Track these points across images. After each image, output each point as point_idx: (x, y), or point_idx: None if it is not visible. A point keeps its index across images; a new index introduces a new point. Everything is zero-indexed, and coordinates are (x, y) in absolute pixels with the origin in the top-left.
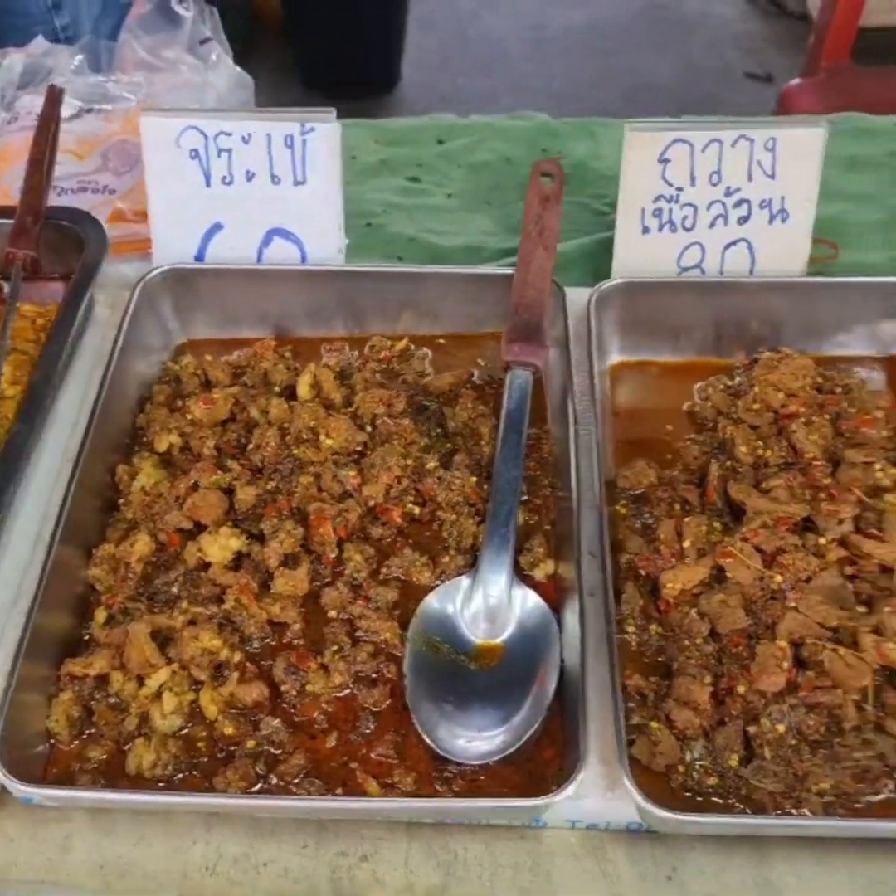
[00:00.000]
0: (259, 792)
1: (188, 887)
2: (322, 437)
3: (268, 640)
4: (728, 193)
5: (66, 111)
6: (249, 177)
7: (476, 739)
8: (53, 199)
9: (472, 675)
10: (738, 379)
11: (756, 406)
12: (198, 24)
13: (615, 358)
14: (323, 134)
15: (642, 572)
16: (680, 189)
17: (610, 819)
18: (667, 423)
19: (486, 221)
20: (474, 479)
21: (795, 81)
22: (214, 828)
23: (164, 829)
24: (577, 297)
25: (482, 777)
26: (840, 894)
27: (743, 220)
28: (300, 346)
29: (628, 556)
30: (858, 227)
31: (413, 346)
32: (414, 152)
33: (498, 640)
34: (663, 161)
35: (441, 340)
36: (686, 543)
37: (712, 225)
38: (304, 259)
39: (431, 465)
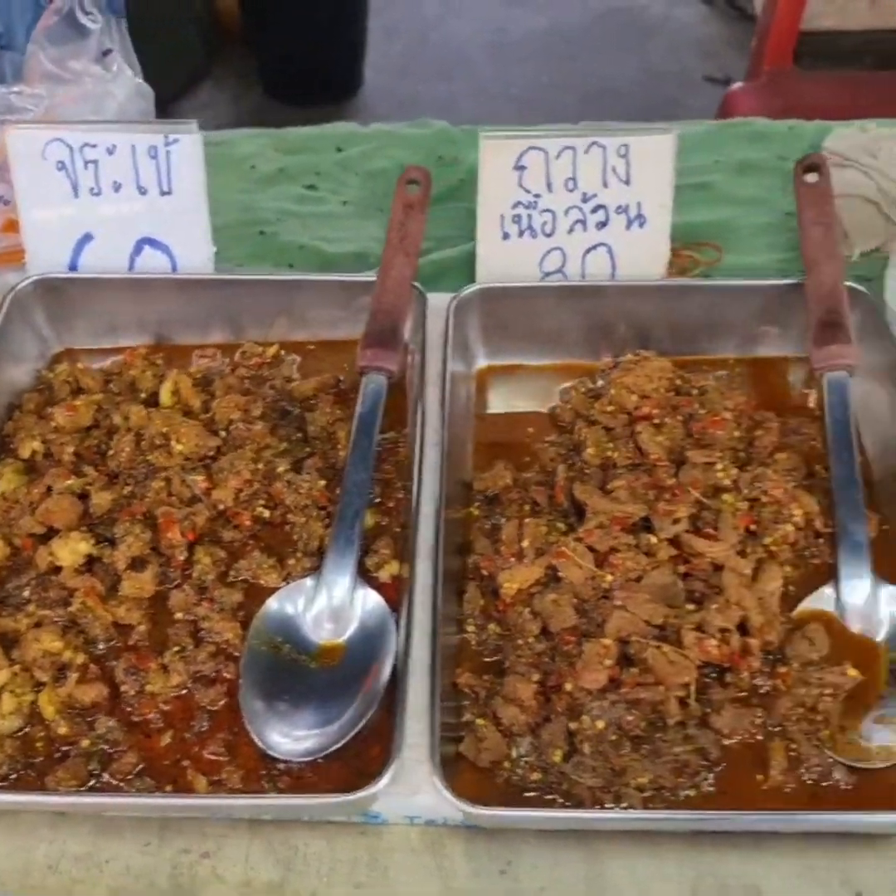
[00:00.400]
0: (91, 790)
1: (30, 885)
2: (173, 443)
3: (113, 642)
4: (585, 199)
5: None
6: (116, 188)
7: (305, 737)
8: None
9: (311, 675)
10: (600, 382)
11: (611, 408)
12: (104, 36)
13: (483, 362)
14: (186, 145)
15: (484, 573)
16: (537, 196)
17: (446, 815)
18: (530, 425)
19: (377, 228)
20: (323, 482)
21: (737, 85)
22: (60, 827)
23: (9, 829)
24: (442, 303)
25: (309, 774)
26: (669, 886)
27: (601, 225)
28: (175, 353)
29: (475, 557)
30: (745, 230)
31: (284, 353)
32: (312, 160)
33: (340, 640)
34: (519, 168)
35: (311, 347)
36: (525, 544)
37: (571, 230)
38: (174, 267)
39: (282, 469)
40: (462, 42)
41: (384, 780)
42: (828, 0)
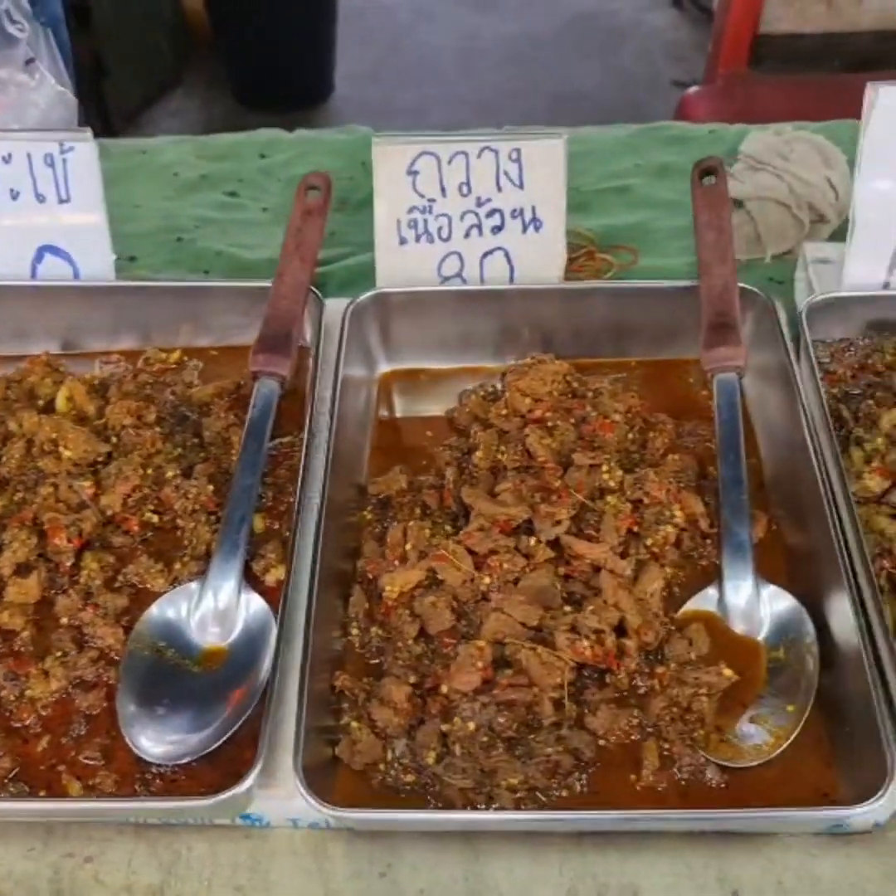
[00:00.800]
0: None
1: None
2: (61, 449)
3: None
4: (479, 204)
5: None
6: (15, 195)
7: (180, 741)
8: None
9: (192, 679)
10: (500, 385)
11: (505, 411)
12: (31, 45)
13: (385, 367)
14: (81, 153)
15: (369, 576)
16: (432, 200)
17: (327, 818)
18: (429, 429)
19: None
20: (211, 487)
21: (693, 89)
22: None
23: None
24: (341, 308)
25: (183, 777)
26: (548, 886)
27: (497, 229)
28: (81, 360)
29: (362, 561)
30: (662, 233)
31: (187, 358)
32: (235, 167)
33: (223, 644)
34: (412, 173)
35: (214, 352)
36: (408, 547)
37: (468, 235)
38: (76, 274)
39: (171, 474)
40: (433, 49)
41: (247, 782)
42: (785, 3)
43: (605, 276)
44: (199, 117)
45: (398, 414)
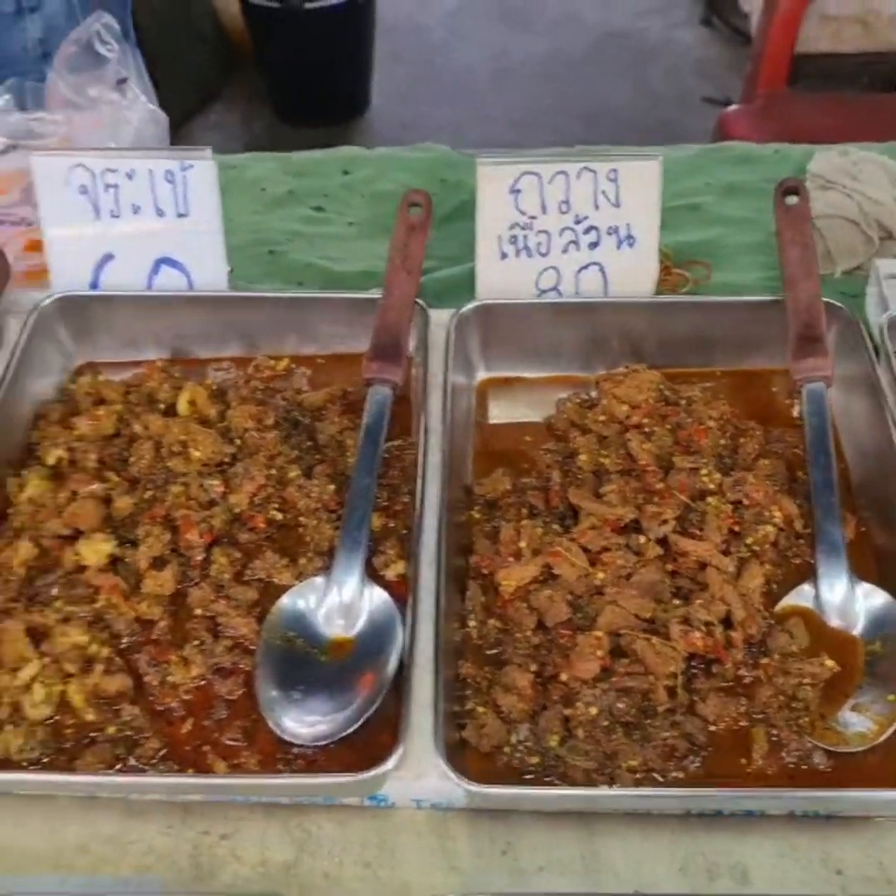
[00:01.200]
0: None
1: (63, 864)
2: (191, 450)
3: (136, 637)
4: (577, 221)
5: None
6: (135, 210)
7: (318, 724)
8: None
9: (322, 667)
10: (593, 393)
11: (603, 417)
12: (120, 64)
13: (483, 374)
14: (200, 170)
15: (484, 571)
16: (533, 217)
17: (450, 798)
18: (528, 434)
19: (382, 248)
20: (332, 487)
21: (732, 107)
22: (91, 811)
23: (44, 812)
24: (444, 318)
25: (322, 758)
26: (661, 864)
27: (593, 245)
28: (192, 366)
29: (475, 557)
30: (733, 249)
31: (295, 366)
32: (320, 183)
33: (350, 635)
34: (515, 192)
35: (320, 360)
36: (522, 544)
37: (565, 250)
38: (190, 285)
39: (293, 474)
40: (466, 67)
41: (391, 761)
42: (822, 24)
43: (681, 290)
44: (239, 131)
45: (496, 419)
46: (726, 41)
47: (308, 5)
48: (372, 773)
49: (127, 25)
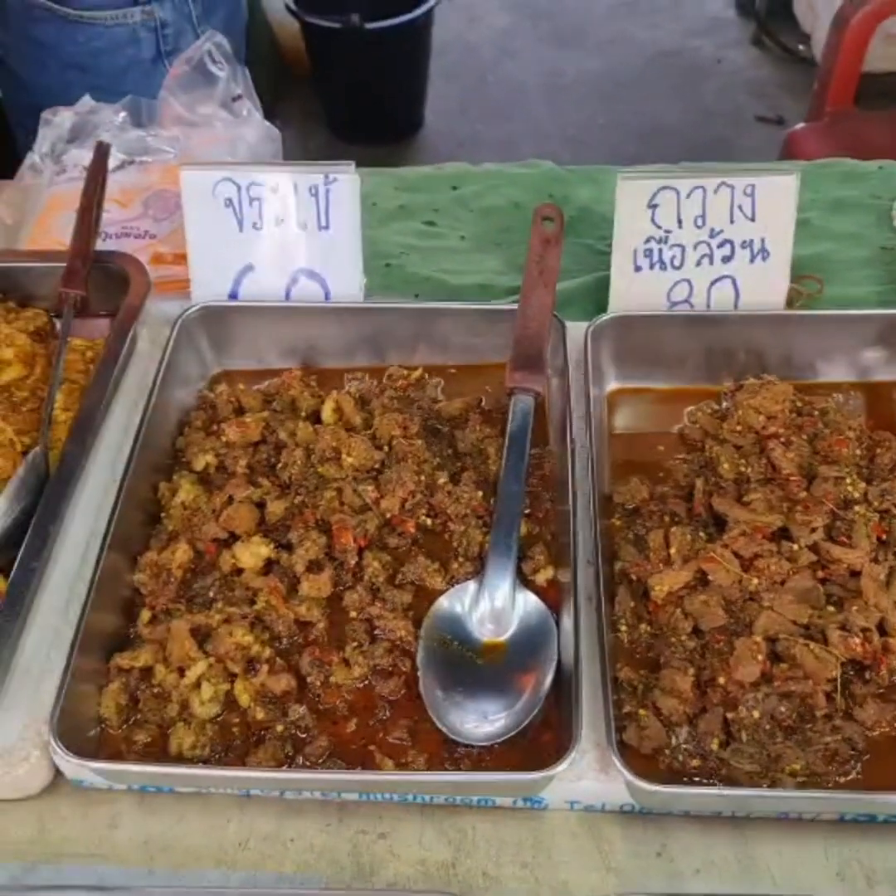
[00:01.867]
0: (287, 770)
1: (224, 860)
2: (343, 456)
3: (295, 638)
4: (712, 235)
5: (110, 163)
6: (278, 223)
7: (482, 724)
8: (99, 244)
9: (478, 669)
10: (724, 403)
11: (739, 428)
12: (230, 82)
13: (613, 384)
14: (344, 184)
15: (633, 578)
16: (668, 231)
17: (605, 800)
18: (659, 443)
19: (496, 261)
20: (480, 493)
21: (800, 126)
22: (247, 809)
23: (202, 810)
24: (577, 330)
25: (487, 758)
26: (816, 869)
27: (726, 259)
28: (324, 375)
29: (622, 564)
30: (844, 264)
31: (427, 375)
32: (430, 198)
33: (502, 639)
34: (652, 206)
35: (452, 370)
36: (672, 551)
37: (699, 263)
38: (327, 297)
39: (442, 481)
40: (518, 84)
41: (566, 762)
42: (887, 43)
43: (795, 304)
44: (295, 149)
45: (627, 429)
46: (777, 61)
47: (368, 26)
48: (544, 773)
49: (240, 46)
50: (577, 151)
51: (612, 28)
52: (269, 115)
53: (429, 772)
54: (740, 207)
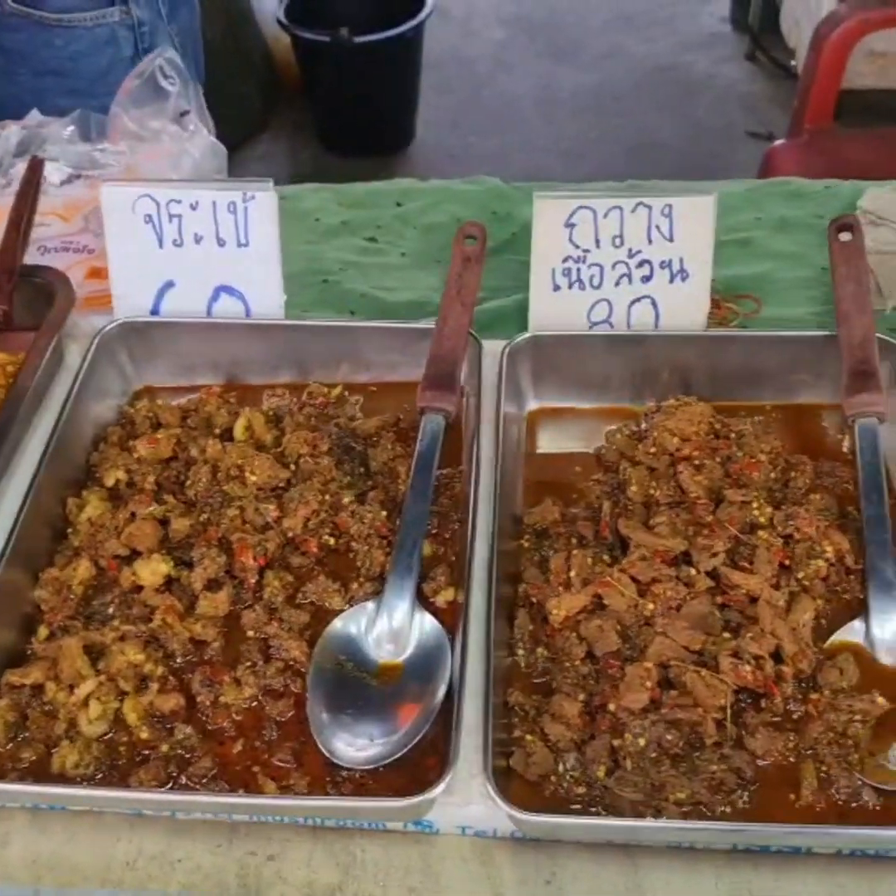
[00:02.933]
0: (170, 791)
1: (110, 880)
2: (247, 474)
3: (190, 657)
4: (631, 255)
5: (57, 177)
6: (198, 239)
7: (366, 747)
8: (38, 258)
9: (371, 691)
10: (644, 424)
11: (653, 449)
12: (182, 98)
13: (533, 404)
14: (262, 201)
15: (534, 600)
16: (586, 251)
17: (495, 826)
18: (577, 465)
19: (434, 279)
20: (384, 513)
21: (779, 142)
22: (137, 828)
23: (92, 829)
24: (498, 349)
25: (370, 781)
26: None
27: (646, 278)
28: (246, 392)
29: (524, 586)
30: (783, 283)
31: (347, 393)
32: (374, 214)
33: (399, 660)
34: (569, 225)
35: (373, 388)
36: (572, 573)
37: (617, 283)
38: (248, 313)
39: (347, 500)
40: (512, 98)
41: (441, 786)
42: (867, 60)
43: (730, 324)
44: (286, 162)
45: (546, 449)
46: (770, 76)
47: (357, 39)
48: (420, 798)
49: (198, 47)
50: (568, 165)
51: (608, 42)
52: (261, 128)
53: (292, 796)
54: (658, 227)
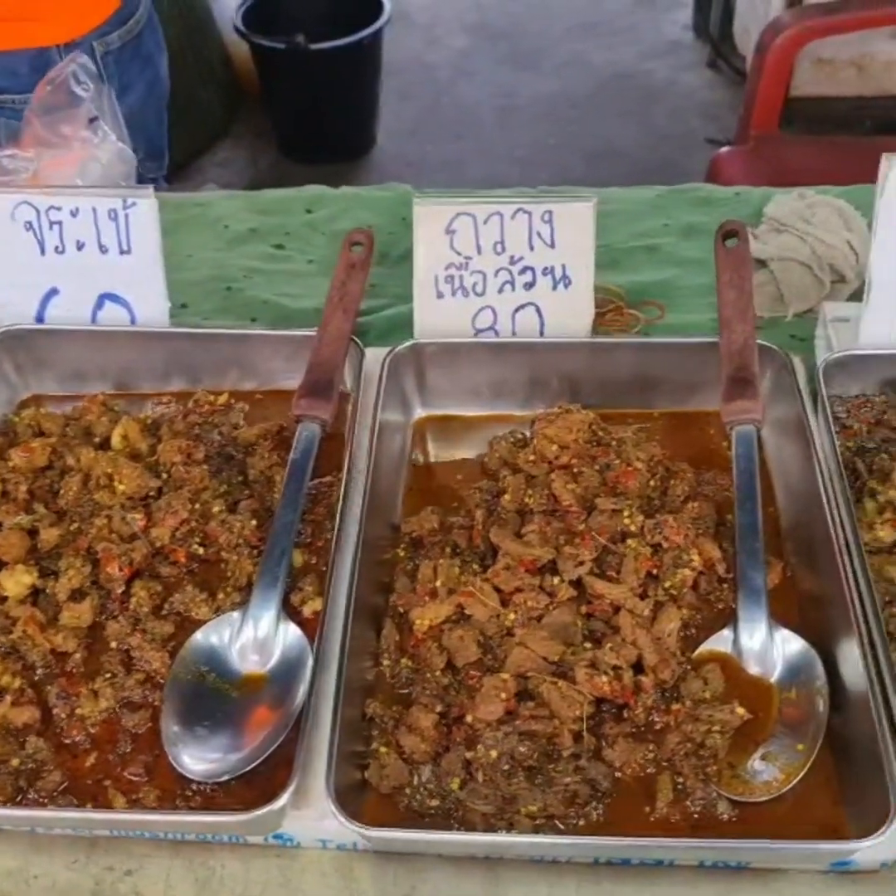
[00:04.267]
0: (18, 806)
1: None
2: (116, 483)
3: (51, 668)
4: (513, 261)
5: None
6: (80, 246)
7: (218, 761)
8: None
9: (232, 703)
10: (528, 432)
11: (532, 457)
12: (94, 103)
13: (421, 412)
14: (143, 208)
15: (400, 609)
16: (468, 258)
17: (356, 839)
18: (461, 472)
19: None
20: (254, 522)
21: (725, 149)
22: None
23: None
24: (380, 356)
25: (221, 795)
26: None
27: (529, 285)
28: (135, 400)
29: (394, 596)
30: (688, 290)
31: (233, 401)
32: (283, 221)
33: (263, 671)
34: (450, 232)
35: (259, 396)
36: (438, 583)
37: (501, 290)
38: (133, 320)
39: (216, 509)
40: (472, 105)
41: (281, 801)
42: (816, 67)
43: (632, 330)
44: (246, 168)
45: (432, 458)
46: (730, 83)
47: (313, 46)
48: (260, 812)
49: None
50: (525, 172)
51: (569, 50)
52: (221, 135)
53: (135, 812)
54: (539, 234)
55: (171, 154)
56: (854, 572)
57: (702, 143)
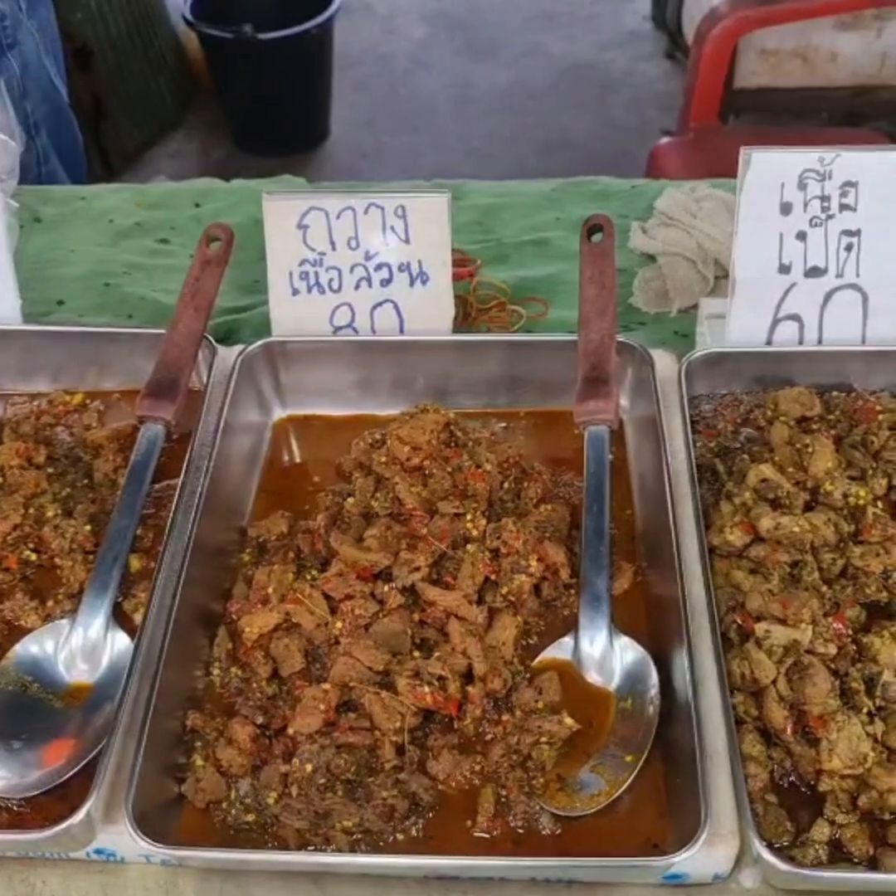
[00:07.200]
0: None
1: None
2: None
3: None
4: (368, 257)
5: None
6: None
7: (30, 775)
8: None
9: (54, 714)
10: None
11: (384, 459)
12: None
13: (280, 413)
14: None
15: (234, 616)
16: (322, 253)
17: (178, 855)
18: (317, 475)
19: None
20: (89, 527)
21: (664, 140)
22: None
23: None
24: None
25: (28, 811)
26: None
27: (385, 282)
28: None
29: (229, 602)
30: (574, 285)
31: (89, 401)
32: (169, 215)
33: (90, 681)
34: (302, 227)
35: (117, 396)
36: (270, 589)
37: (357, 287)
38: None
39: (51, 513)
40: (429, 95)
41: (79, 816)
42: (760, 58)
43: (514, 327)
44: (198, 160)
45: (291, 459)
46: (687, 74)
47: (261, 36)
48: (56, 829)
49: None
50: (479, 163)
51: (528, 40)
52: (173, 126)
53: None
54: (393, 228)
55: (118, 144)
56: (703, 575)
57: (657, 133)
